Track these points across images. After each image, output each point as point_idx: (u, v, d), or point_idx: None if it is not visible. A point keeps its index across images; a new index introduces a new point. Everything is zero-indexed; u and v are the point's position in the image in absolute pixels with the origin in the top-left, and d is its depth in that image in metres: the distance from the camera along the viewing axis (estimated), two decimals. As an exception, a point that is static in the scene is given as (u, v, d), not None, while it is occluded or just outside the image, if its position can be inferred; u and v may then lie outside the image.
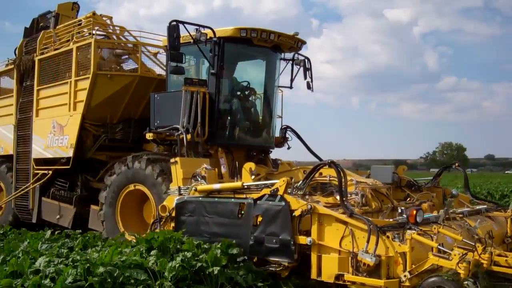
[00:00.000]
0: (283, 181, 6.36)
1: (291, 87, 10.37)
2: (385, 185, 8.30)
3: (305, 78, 10.39)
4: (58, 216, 11.25)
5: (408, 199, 8.80)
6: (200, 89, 8.87)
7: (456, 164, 9.06)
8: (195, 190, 7.32)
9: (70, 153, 10.54)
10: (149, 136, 9.31)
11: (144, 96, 10.64)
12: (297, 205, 6.15)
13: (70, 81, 10.68)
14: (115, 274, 5.37)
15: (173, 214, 7.45)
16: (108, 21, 11.79)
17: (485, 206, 8.49)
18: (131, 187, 9.00)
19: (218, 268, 5.86)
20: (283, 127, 10.62)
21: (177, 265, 5.69)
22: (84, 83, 10.36)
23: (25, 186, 11.67)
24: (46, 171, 11.29)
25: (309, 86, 10.48)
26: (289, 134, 10.70)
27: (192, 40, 8.85)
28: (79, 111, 10.43)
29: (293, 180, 6.68)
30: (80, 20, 11.00)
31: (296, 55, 10.23)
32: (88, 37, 10.48)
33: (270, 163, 10.21)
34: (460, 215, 7.27)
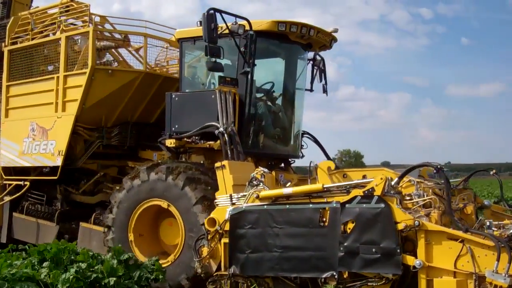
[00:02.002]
0: (381, 179, 5.88)
1: (311, 90, 9.91)
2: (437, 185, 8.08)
3: (321, 80, 10.00)
4: (36, 235, 10.05)
5: None
6: (231, 89, 8.24)
7: (494, 171, 8.92)
8: (257, 197, 6.67)
9: (58, 161, 9.47)
10: (170, 143, 8.49)
11: (145, 96, 9.88)
12: (402, 217, 5.74)
13: (57, 77, 9.63)
14: (5, 288, 5.33)
15: (226, 228, 6.78)
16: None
17: None
18: (150, 202, 8.04)
19: (114, 278, 5.97)
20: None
21: (71, 276, 5.78)
22: (77, 80, 9.40)
23: (-7, 200, 10.36)
24: (21, 183, 10.06)
25: (324, 90, 10.08)
26: (304, 141, 10.20)
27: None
28: (70, 112, 9.42)
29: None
30: (68, 5, 9.91)
31: (316, 55, 9.81)
32: (84, 26, 9.49)
33: (293, 172, 9.73)
34: None
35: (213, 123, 7.98)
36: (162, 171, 7.81)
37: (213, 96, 8.25)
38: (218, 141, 8.29)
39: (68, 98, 9.50)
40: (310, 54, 9.77)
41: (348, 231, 5.96)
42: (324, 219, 6.12)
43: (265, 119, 8.90)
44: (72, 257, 6.35)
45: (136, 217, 8.13)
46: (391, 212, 5.75)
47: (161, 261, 7.82)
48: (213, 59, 7.77)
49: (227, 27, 7.98)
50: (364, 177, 7.79)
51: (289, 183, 8.07)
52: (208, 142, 8.45)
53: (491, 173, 9.20)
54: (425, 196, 6.80)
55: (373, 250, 5.76)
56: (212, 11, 7.70)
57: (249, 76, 8.40)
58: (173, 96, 8.75)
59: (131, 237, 8.14)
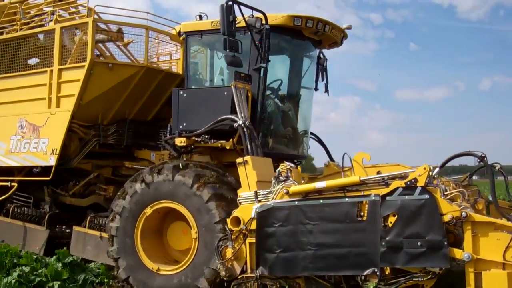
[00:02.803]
0: (424, 169, 5.80)
1: (316, 89, 9.83)
2: (455, 180, 8.15)
3: (323, 79, 9.95)
4: (23, 240, 9.53)
5: None
6: (245, 86, 8.09)
7: (499, 167, 8.85)
8: (286, 193, 6.49)
9: (51, 161, 9.03)
10: (180, 141, 8.22)
11: (144, 92, 9.61)
12: (448, 209, 5.69)
13: (51, 70, 9.19)
14: None
15: (252, 227, 6.57)
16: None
17: None
18: (158, 205, 7.70)
19: (59, 282, 6.00)
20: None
21: (14, 280, 5.76)
22: (74, 73, 9.04)
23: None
24: (7, 183, 9.53)
25: (327, 89, 10.02)
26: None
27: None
28: (66, 108, 9.03)
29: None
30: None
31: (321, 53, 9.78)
32: (71, 18, 9.13)
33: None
34: None
35: (231, 116, 7.76)
36: (169, 170, 7.54)
37: (225, 93, 8.07)
38: (231, 140, 8.11)
39: (63, 93, 9.12)
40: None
41: (390, 224, 5.85)
42: (362, 213, 6.01)
43: (275, 118, 8.79)
44: (15, 261, 6.33)
45: (140, 232, 7.76)
46: (436, 203, 5.71)
47: (172, 267, 7.61)
48: (232, 54, 7.59)
49: (244, 20, 7.85)
50: (378, 173, 7.75)
51: (302, 181, 7.99)
52: (220, 141, 8.21)
53: (497, 168, 9.24)
54: (447, 190, 6.84)
55: (418, 243, 5.68)
56: (230, 3, 7.54)
57: (262, 73, 8.25)
58: (181, 92, 8.48)
59: (146, 260, 7.71)
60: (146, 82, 9.36)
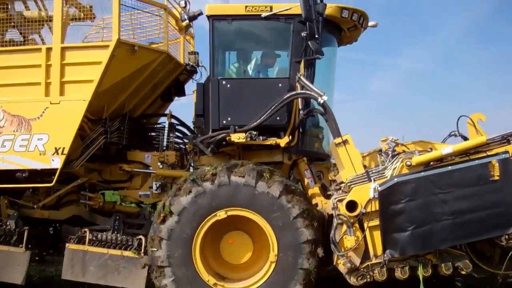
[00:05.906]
0: None
1: None
2: None
3: None
4: None
5: None
6: None
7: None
8: (409, 165, 6.56)
9: (55, 163, 7.51)
10: (237, 137, 7.60)
11: (149, 81, 8.54)
12: None
13: (48, 48, 7.60)
14: None
15: (374, 208, 6.54)
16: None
17: None
18: (231, 211, 7.19)
19: None
20: None
21: None
22: (90, 55, 7.69)
23: None
24: None
25: None
26: None
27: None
28: (77, 96, 7.57)
29: None
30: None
31: None
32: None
33: None
34: None
35: (306, 92, 7.53)
36: (251, 175, 7.12)
37: (280, 85, 7.84)
38: (286, 137, 7.86)
39: (71, 78, 7.57)
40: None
41: None
42: (493, 173, 6.34)
43: (317, 116, 8.52)
44: None
45: (200, 240, 7.23)
46: None
47: (232, 284, 7.32)
48: (317, 41, 7.41)
49: (313, 7, 7.59)
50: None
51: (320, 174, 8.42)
52: (273, 138, 7.84)
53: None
54: None
55: None
56: None
57: (311, 66, 8.12)
58: (224, 82, 7.86)
59: (202, 272, 7.22)
60: (158, 70, 8.39)
